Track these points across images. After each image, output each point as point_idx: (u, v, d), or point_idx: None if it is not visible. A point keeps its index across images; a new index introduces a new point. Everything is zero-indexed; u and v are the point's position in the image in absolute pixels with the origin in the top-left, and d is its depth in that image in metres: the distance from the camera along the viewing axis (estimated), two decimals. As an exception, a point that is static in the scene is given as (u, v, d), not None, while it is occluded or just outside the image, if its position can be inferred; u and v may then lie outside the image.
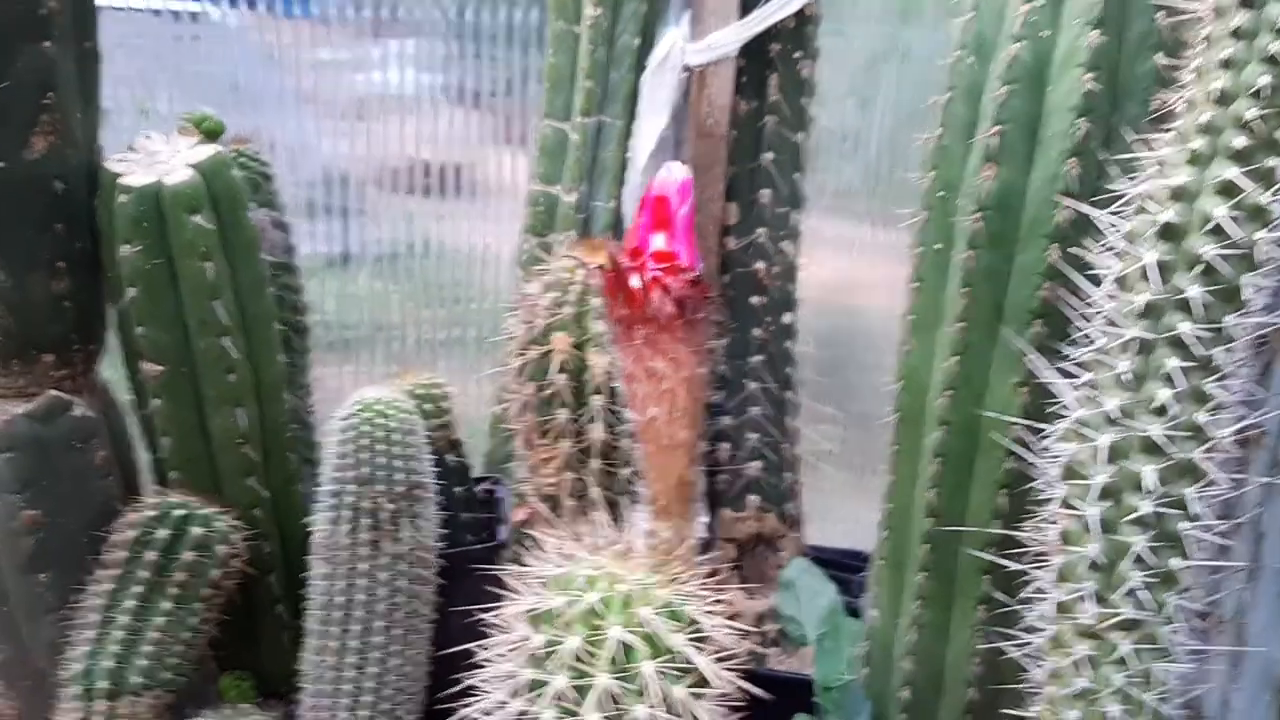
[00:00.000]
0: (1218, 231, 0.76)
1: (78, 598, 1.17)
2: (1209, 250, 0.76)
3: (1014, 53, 1.01)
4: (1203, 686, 0.88)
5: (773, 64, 1.59)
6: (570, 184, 1.64)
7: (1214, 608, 0.90)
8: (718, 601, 0.80)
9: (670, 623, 0.76)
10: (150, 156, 1.16)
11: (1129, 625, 0.81)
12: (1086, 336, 0.84)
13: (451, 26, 1.96)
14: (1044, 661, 0.87)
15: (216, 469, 1.25)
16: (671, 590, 0.78)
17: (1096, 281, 0.84)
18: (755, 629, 1.64)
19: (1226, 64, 0.76)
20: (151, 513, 1.18)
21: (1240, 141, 0.75)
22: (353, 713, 1.16)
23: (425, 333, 2.13)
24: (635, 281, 0.90)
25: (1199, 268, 0.77)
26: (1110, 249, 0.83)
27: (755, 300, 1.63)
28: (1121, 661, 0.81)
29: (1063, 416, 0.85)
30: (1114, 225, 0.82)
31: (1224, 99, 0.77)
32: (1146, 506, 0.79)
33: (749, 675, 0.79)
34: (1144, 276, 0.79)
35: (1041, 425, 0.90)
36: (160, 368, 1.19)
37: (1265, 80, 0.75)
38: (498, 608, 0.81)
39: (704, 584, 0.80)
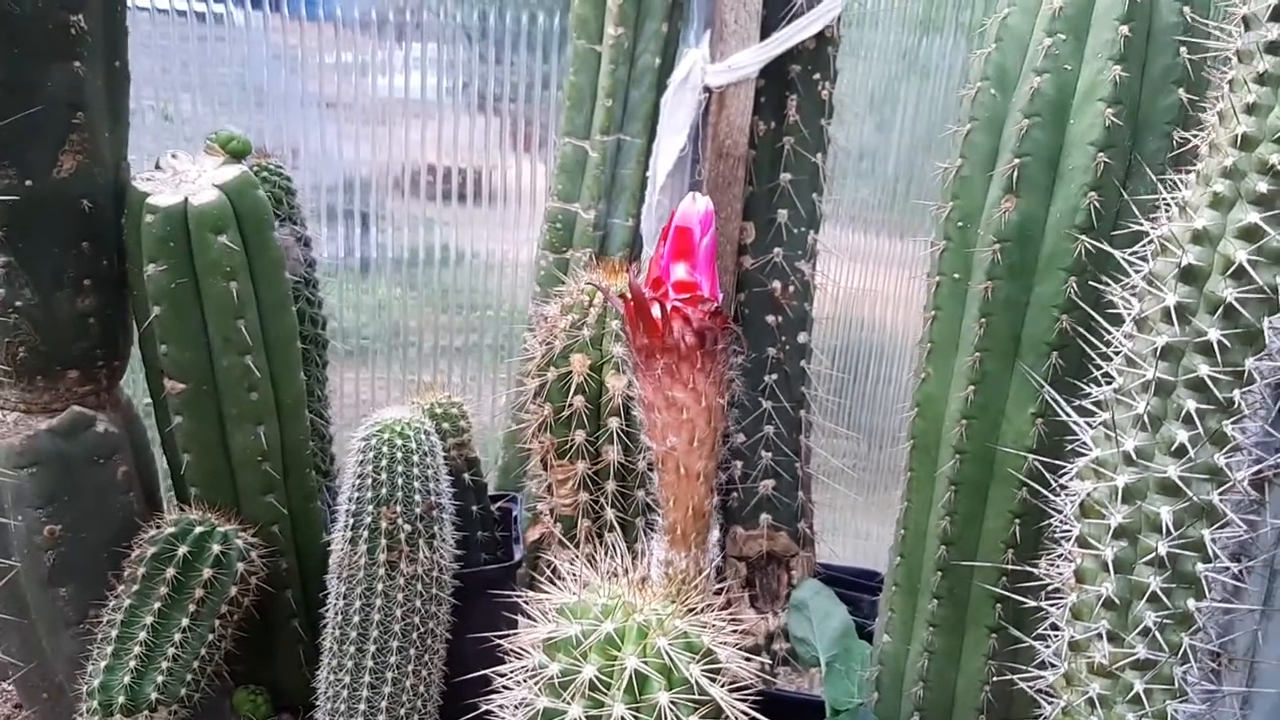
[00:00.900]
0: (1239, 274, 0.76)
1: (98, 612, 1.18)
2: (1230, 293, 0.76)
3: (1036, 85, 1.02)
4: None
5: (792, 85, 1.59)
6: (589, 201, 1.65)
7: (1226, 647, 0.89)
8: (732, 630, 0.81)
9: (685, 653, 0.76)
10: (177, 175, 1.17)
11: (1143, 664, 0.81)
12: (1106, 375, 0.84)
13: (471, 32, 1.97)
14: (1057, 698, 0.87)
15: (237, 486, 1.26)
16: (687, 620, 0.79)
17: (1114, 315, 0.85)
18: (765, 648, 1.64)
19: (1250, 109, 0.76)
20: (171, 529, 1.19)
21: (1263, 186, 0.75)
22: (367, 731, 1.17)
23: (442, 339, 2.13)
24: (656, 311, 0.90)
25: (1219, 310, 0.77)
26: (1130, 288, 0.83)
27: (771, 319, 1.64)
28: (1135, 700, 0.81)
29: (1078, 450, 0.85)
30: (1134, 265, 0.82)
31: (1247, 143, 0.77)
32: (1163, 547, 0.79)
33: (761, 699, 0.80)
34: (1164, 318, 0.79)
35: (1056, 458, 0.90)
36: (183, 385, 1.20)
37: (1289, 126, 0.75)
38: (512, 632, 0.82)
39: (718, 613, 0.81)
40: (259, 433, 1.23)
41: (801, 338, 1.66)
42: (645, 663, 0.75)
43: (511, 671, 0.80)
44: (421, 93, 2.00)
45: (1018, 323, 1.06)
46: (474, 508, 1.44)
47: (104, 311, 1.19)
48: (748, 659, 0.80)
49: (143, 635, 1.15)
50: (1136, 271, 0.82)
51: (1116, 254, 0.84)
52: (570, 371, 1.18)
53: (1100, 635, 0.82)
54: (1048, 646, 0.88)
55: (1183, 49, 1.00)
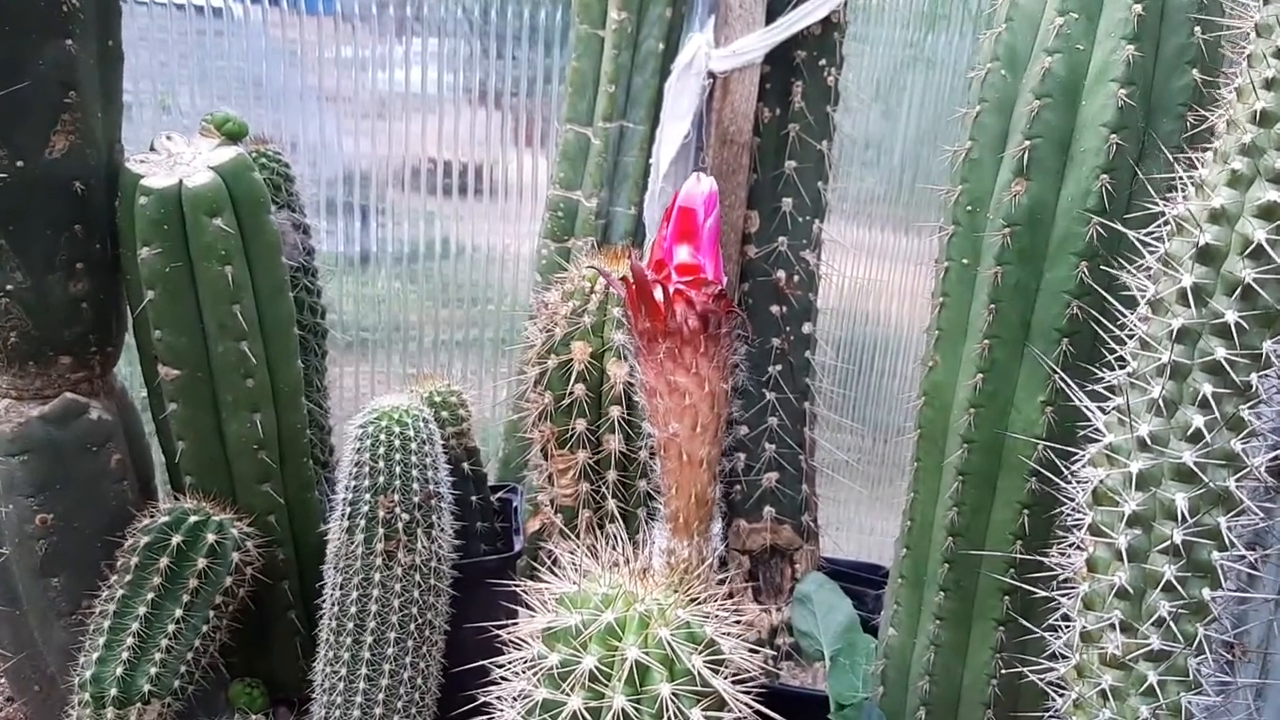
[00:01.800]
0: (1258, 254, 0.74)
1: (90, 603, 1.16)
2: (1248, 273, 0.74)
3: (1047, 65, 0.99)
4: (1228, 719, 0.86)
5: (798, 71, 1.57)
6: (591, 189, 1.63)
7: (1240, 638, 0.88)
8: (735, 621, 0.79)
9: (687, 644, 0.75)
10: (171, 157, 1.16)
11: (1157, 655, 0.79)
12: (1120, 359, 0.82)
13: (474, 26, 1.96)
14: (1068, 690, 0.85)
15: (232, 474, 1.24)
16: (689, 610, 0.77)
17: (1127, 300, 0.83)
18: (769, 642, 1.63)
19: (1269, 84, 0.74)
20: (165, 518, 1.17)
21: (1283, 163, 0.73)
22: (363, 723, 1.15)
23: (442, 333, 2.12)
24: (659, 294, 0.88)
25: (1237, 291, 0.75)
26: (1145, 269, 0.81)
27: (775, 309, 1.62)
28: (1149, 692, 0.80)
29: (1090, 438, 0.83)
30: (1149, 246, 0.80)
31: (1266, 119, 0.75)
32: (1178, 535, 0.77)
33: (765, 693, 0.78)
34: (1180, 299, 0.77)
35: (1066, 446, 0.88)
36: (177, 371, 1.18)
37: (1310, 101, 0.73)
38: (512, 623, 0.80)
39: (721, 603, 0.79)
40: (255, 420, 1.21)
41: (806, 328, 1.64)
42: (646, 653, 0.74)
43: (510, 662, 0.78)
44: (422, 86, 1.99)
45: (1027, 309, 1.04)
46: (473, 497, 1.43)
47: (97, 296, 1.18)
48: (752, 651, 0.78)
49: (136, 626, 1.13)
50: (1151, 253, 0.80)
51: (1130, 234, 0.82)
52: (571, 359, 1.16)
53: (1113, 625, 0.80)
54: (1058, 638, 0.86)
55: (1197, 28, 0.98)
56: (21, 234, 1.10)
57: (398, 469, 1.12)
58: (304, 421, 1.27)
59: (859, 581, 1.68)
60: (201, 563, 1.16)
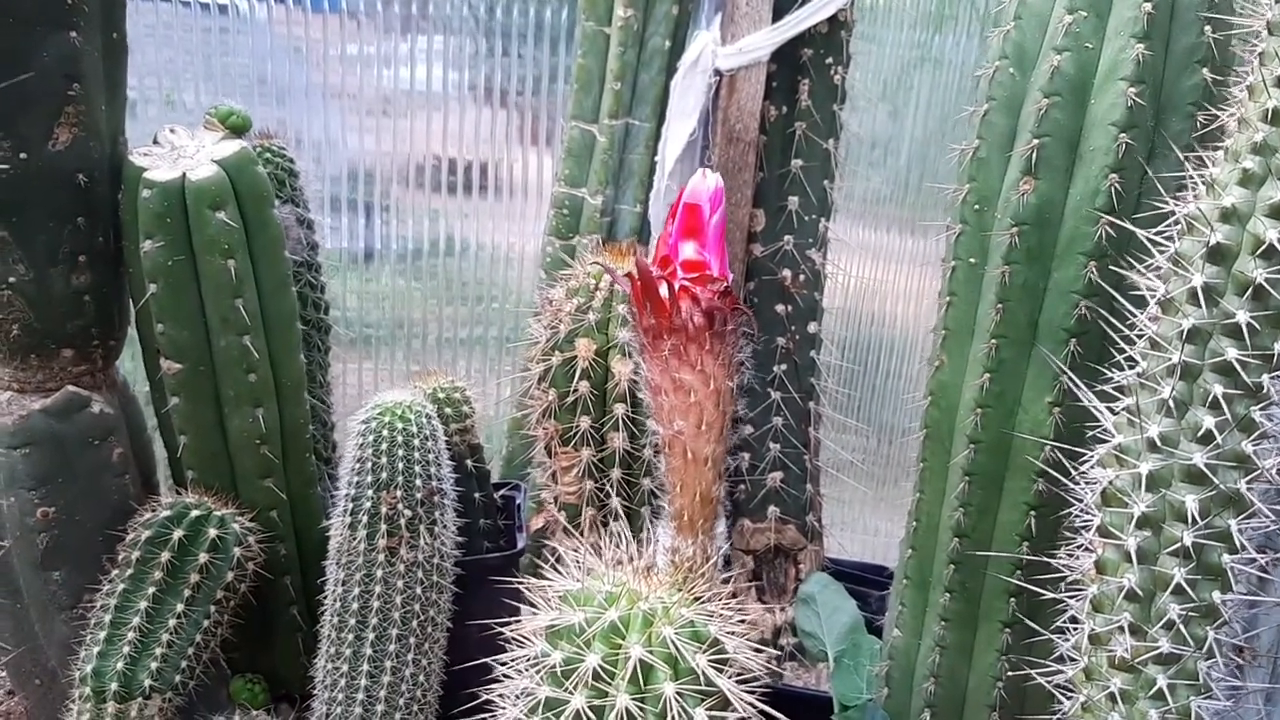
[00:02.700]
0: (1270, 254, 0.73)
1: (91, 596, 1.16)
2: (1260, 273, 0.73)
3: (1056, 64, 0.99)
4: (1237, 724, 0.86)
5: (804, 69, 1.57)
6: (596, 187, 1.63)
7: (1250, 642, 0.87)
8: (740, 621, 0.79)
9: (691, 643, 0.74)
10: (175, 150, 1.15)
11: (1166, 659, 0.79)
12: (1129, 359, 0.81)
13: (480, 24, 1.96)
14: (1076, 693, 0.84)
15: (234, 469, 1.24)
16: (694, 609, 0.77)
17: (1136, 300, 0.82)
18: (772, 643, 1.62)
19: (1282, 82, 0.73)
20: (167, 513, 1.17)
21: (1295, 162, 0.73)
22: (365, 721, 1.15)
23: (446, 331, 2.12)
24: (664, 291, 0.87)
25: (1249, 291, 0.74)
26: (1155, 269, 0.80)
27: (780, 308, 1.62)
28: (1158, 696, 0.79)
29: (1098, 439, 0.83)
30: (1159, 245, 0.79)
31: (1278, 118, 0.74)
32: (1188, 537, 0.76)
33: (768, 694, 0.77)
34: (1191, 299, 0.76)
35: (1074, 446, 0.87)
36: (179, 365, 1.18)
37: (1323, 99, 0.72)
38: (514, 620, 0.80)
39: (726, 602, 0.78)
40: (257, 415, 1.21)
41: (811, 327, 1.64)
42: (650, 652, 0.73)
43: (513, 660, 0.78)
44: (428, 85, 1.99)
45: (1035, 308, 1.03)
46: (476, 494, 1.42)
47: (99, 289, 1.17)
48: (756, 651, 0.78)
49: (137, 621, 1.13)
50: (1161, 252, 0.80)
51: (1140, 233, 0.82)
52: (575, 356, 1.15)
53: (1122, 628, 0.79)
54: (1065, 640, 0.86)
55: (1207, 26, 0.97)
56: (24, 226, 1.10)
57: (400, 465, 1.12)
58: (307, 417, 1.27)
59: (863, 582, 1.68)
60: (203, 558, 1.16)
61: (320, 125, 1.97)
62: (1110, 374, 0.83)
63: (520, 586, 0.81)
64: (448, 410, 1.36)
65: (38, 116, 1.08)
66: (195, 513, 1.17)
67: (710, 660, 0.74)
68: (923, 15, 2.07)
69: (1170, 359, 0.77)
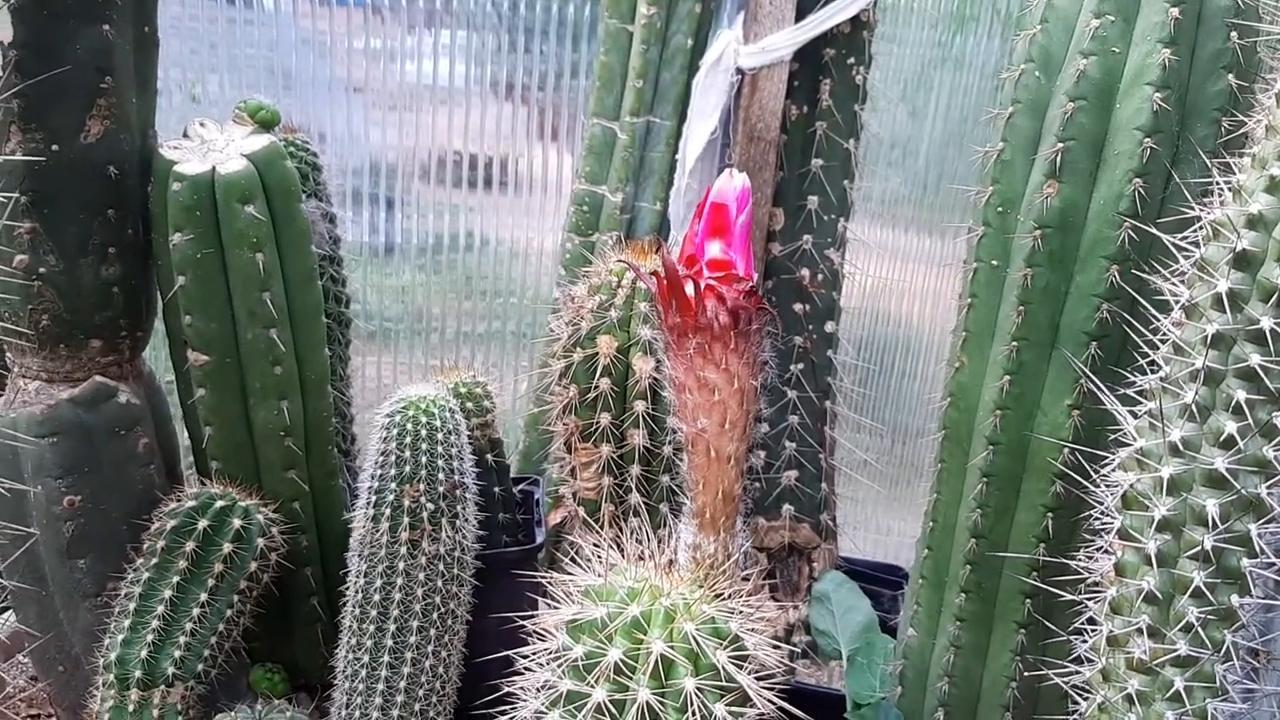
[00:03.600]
0: (1295, 261, 0.74)
1: (116, 585, 1.17)
2: (1285, 280, 0.74)
3: (1082, 68, 0.99)
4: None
5: (826, 69, 1.57)
6: (616, 184, 1.63)
7: (1266, 645, 0.87)
8: (760, 618, 0.79)
9: (712, 639, 0.75)
10: (205, 144, 1.16)
11: (1184, 661, 0.79)
12: (1151, 363, 0.82)
13: (500, 19, 1.96)
14: (1093, 694, 0.85)
15: (258, 461, 1.25)
16: (715, 606, 0.77)
17: (1158, 304, 0.82)
18: (785, 640, 1.63)
19: (1310, 90, 0.74)
20: (192, 503, 1.18)
21: (1322, 169, 0.73)
22: (384, 712, 1.16)
23: (464, 325, 2.13)
24: (690, 290, 0.88)
25: (1274, 297, 0.74)
26: (1179, 274, 0.80)
27: (798, 307, 1.62)
28: (1175, 698, 0.79)
29: (1120, 440, 0.83)
30: (1184, 250, 0.80)
31: (1306, 125, 0.74)
32: (1208, 541, 0.77)
33: (781, 692, 0.78)
34: (1215, 304, 0.76)
35: (1093, 449, 0.88)
36: (206, 357, 1.19)
37: (1351, 107, 0.72)
38: (533, 614, 0.80)
39: (745, 600, 0.79)
40: (282, 407, 1.22)
41: (829, 327, 1.64)
42: (672, 647, 0.74)
43: (534, 653, 0.78)
44: (450, 80, 1.99)
45: (1057, 311, 1.03)
46: (496, 489, 1.43)
47: (128, 280, 1.18)
48: (776, 647, 0.79)
49: (161, 609, 1.14)
50: (1186, 257, 0.80)
51: (1164, 238, 0.82)
52: (597, 353, 1.16)
53: (1140, 630, 0.80)
54: (1084, 642, 0.86)
55: (1233, 33, 0.97)
56: (55, 217, 1.11)
57: (424, 459, 1.12)
58: (330, 409, 1.28)
59: (876, 582, 1.68)
60: (227, 548, 1.17)
61: (342, 119, 1.98)
62: (1131, 377, 0.84)
63: (539, 580, 0.82)
64: (469, 405, 1.37)
65: (70, 109, 1.09)
66: (220, 503, 1.18)
67: (730, 656, 0.75)
68: (944, 15, 2.07)
69: (1194, 364, 0.77)
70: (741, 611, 0.78)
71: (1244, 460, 0.76)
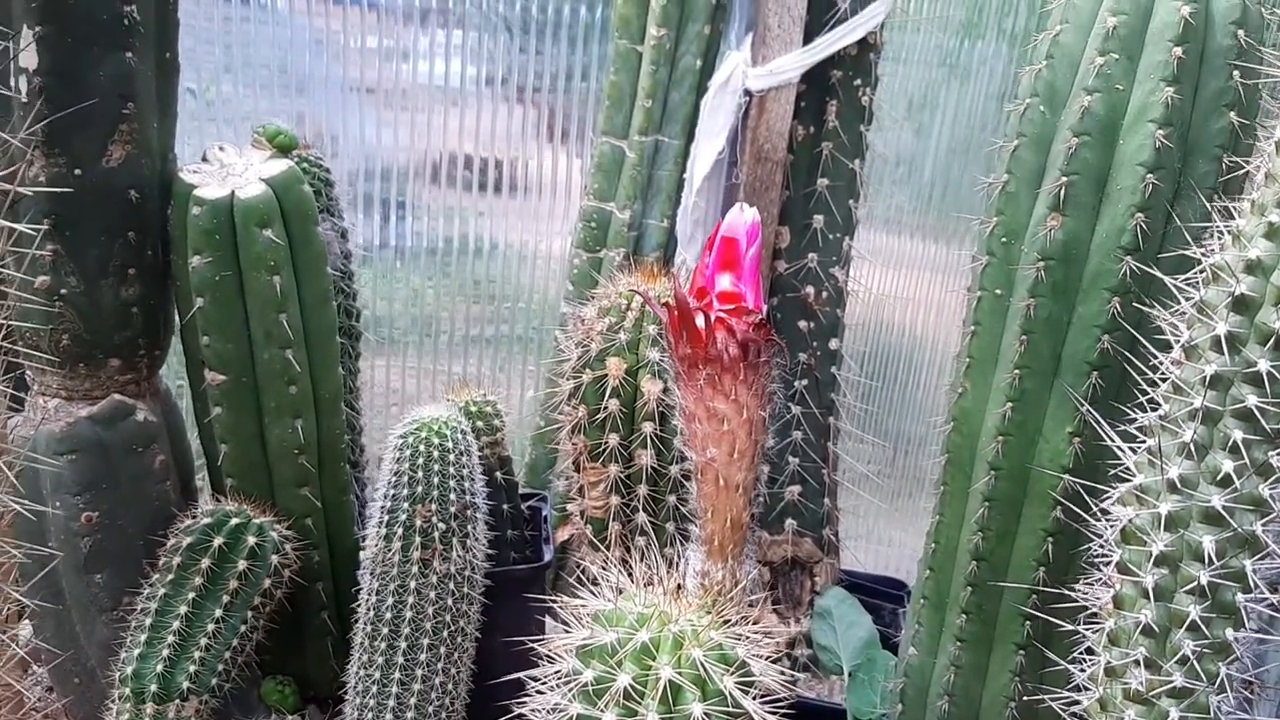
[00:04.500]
0: (1291, 306, 0.76)
1: (132, 600, 1.19)
2: (1281, 325, 0.76)
3: (1087, 104, 1.01)
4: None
5: (833, 90, 1.59)
6: (624, 201, 1.65)
7: (1259, 676, 0.89)
8: (765, 643, 0.81)
9: (720, 665, 0.77)
10: (224, 168, 1.18)
11: (1180, 692, 0.81)
12: (1151, 401, 0.84)
13: (502, 19, 1.96)
14: (1090, 722, 0.87)
15: (273, 478, 1.26)
16: (722, 632, 0.79)
17: (1158, 337, 0.84)
18: (787, 654, 1.64)
19: (1309, 139, 0.76)
20: (207, 520, 1.20)
21: (1319, 218, 0.75)
22: (395, 727, 1.18)
23: (472, 329, 2.12)
24: (700, 321, 0.90)
25: (1271, 341, 0.76)
26: (1179, 314, 0.82)
27: (803, 325, 1.64)
28: (1171, 729, 0.81)
29: (1120, 475, 0.85)
30: (1183, 290, 0.82)
31: (1304, 174, 0.76)
32: (1204, 576, 0.79)
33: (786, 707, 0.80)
34: (1214, 346, 0.78)
35: (1092, 478, 0.89)
36: (223, 377, 1.20)
37: (1349, 158, 0.74)
38: (542, 638, 0.82)
39: (752, 626, 0.81)
40: (296, 426, 1.23)
41: (833, 344, 1.66)
42: (680, 673, 0.76)
43: (544, 676, 0.80)
44: (461, 82, 1.97)
45: (1059, 342, 1.05)
46: (505, 506, 1.45)
47: (147, 301, 1.20)
48: (782, 673, 0.80)
49: (176, 625, 1.16)
50: (1185, 298, 0.82)
51: (1164, 278, 0.84)
52: (606, 375, 1.18)
53: (1138, 662, 0.82)
54: (1082, 670, 0.88)
55: (1236, 73, 0.99)
56: (77, 240, 1.12)
57: (435, 479, 1.14)
58: (343, 427, 1.30)
59: (877, 595, 1.70)
60: (242, 564, 1.19)
61: (352, 120, 1.95)
62: (1129, 410, 0.86)
63: (548, 600, 0.84)
64: (479, 423, 1.38)
65: (93, 134, 1.11)
66: (235, 520, 1.20)
67: (737, 682, 0.77)
68: (950, 26, 2.08)
69: (1192, 404, 0.79)
70: (748, 637, 0.80)
71: (1240, 498, 0.78)
